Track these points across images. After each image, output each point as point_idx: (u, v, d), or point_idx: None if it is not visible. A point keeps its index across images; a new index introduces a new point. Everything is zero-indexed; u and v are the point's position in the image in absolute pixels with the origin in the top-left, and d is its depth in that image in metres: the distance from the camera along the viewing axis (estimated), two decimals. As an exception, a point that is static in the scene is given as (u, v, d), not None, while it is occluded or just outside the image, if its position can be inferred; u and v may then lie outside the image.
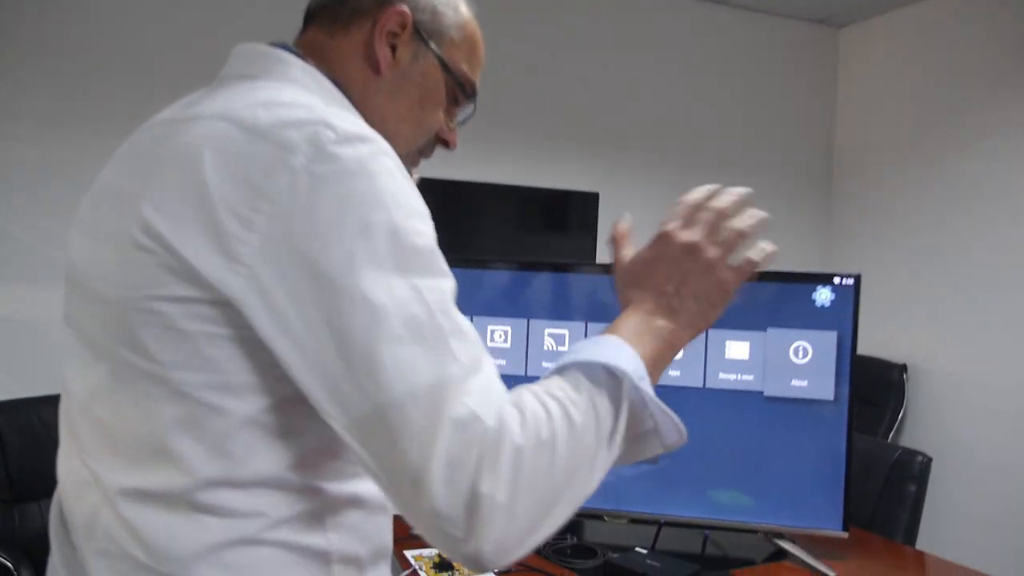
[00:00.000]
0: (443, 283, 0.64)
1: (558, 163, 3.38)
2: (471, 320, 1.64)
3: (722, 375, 1.54)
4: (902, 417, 3.02)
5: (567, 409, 0.63)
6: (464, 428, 0.57)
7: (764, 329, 1.53)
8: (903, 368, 3.09)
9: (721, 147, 3.62)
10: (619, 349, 0.69)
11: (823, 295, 1.52)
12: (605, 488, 1.52)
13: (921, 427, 3.06)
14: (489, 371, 0.62)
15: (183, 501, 0.62)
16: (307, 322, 0.58)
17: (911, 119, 3.37)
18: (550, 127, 3.38)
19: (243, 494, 0.64)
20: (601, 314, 1.59)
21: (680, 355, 1.46)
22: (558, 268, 1.62)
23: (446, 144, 0.89)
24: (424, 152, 0.89)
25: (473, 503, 0.57)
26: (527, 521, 0.61)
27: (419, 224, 0.64)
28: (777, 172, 3.72)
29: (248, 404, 0.63)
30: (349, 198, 0.60)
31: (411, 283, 0.60)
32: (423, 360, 0.58)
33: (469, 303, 1.72)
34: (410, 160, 0.86)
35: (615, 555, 1.45)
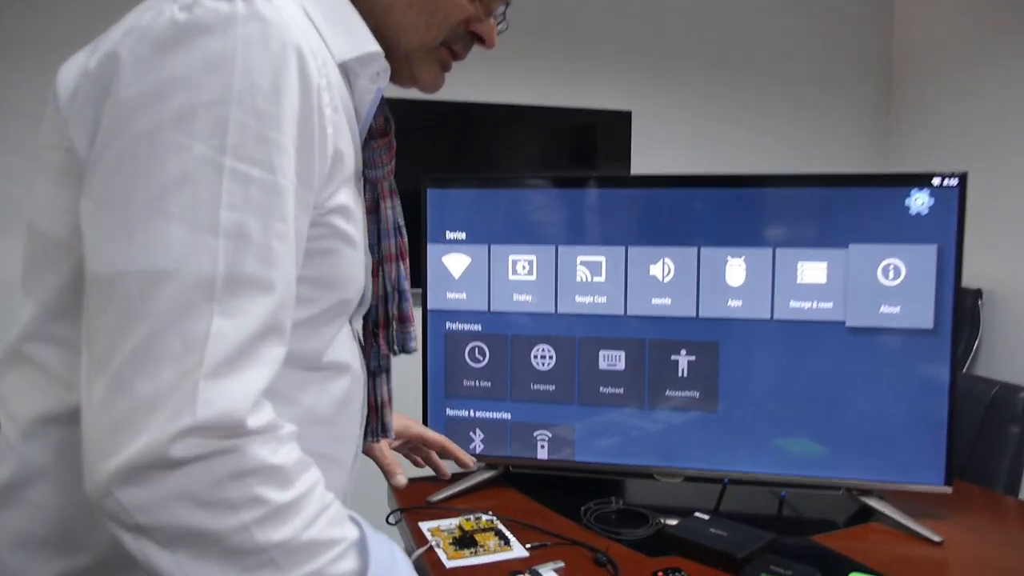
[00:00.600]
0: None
1: (585, 80, 3.06)
2: (488, 250, 1.39)
3: (794, 303, 1.27)
4: (977, 348, 2.73)
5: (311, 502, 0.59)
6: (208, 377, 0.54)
7: (845, 246, 1.25)
8: (977, 294, 2.78)
9: (767, 53, 3.27)
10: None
11: (919, 201, 1.23)
12: (653, 441, 1.27)
13: (998, 359, 2.76)
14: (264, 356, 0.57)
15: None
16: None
17: (979, 13, 2.97)
18: (575, 39, 3.05)
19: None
20: (645, 235, 1.32)
21: (743, 279, 1.20)
22: (589, 183, 1.35)
23: (482, 41, 0.79)
24: (456, 50, 0.79)
25: (138, 454, 0.52)
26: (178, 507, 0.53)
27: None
28: (829, 78, 3.36)
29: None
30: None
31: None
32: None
33: (484, 231, 1.48)
34: (434, 60, 0.78)
35: (671, 522, 1.21)
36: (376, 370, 0.85)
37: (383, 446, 1.20)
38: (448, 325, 1.39)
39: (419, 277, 1.33)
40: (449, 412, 1.40)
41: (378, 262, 0.81)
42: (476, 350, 1.38)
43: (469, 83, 2.82)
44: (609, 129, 3.06)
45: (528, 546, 1.14)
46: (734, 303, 1.29)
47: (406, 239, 0.84)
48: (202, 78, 0.54)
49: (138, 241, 0.53)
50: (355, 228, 0.72)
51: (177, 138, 0.54)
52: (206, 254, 0.54)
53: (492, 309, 1.38)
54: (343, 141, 0.67)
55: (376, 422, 0.87)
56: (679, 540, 1.13)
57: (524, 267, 1.36)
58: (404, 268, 0.85)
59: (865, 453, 1.27)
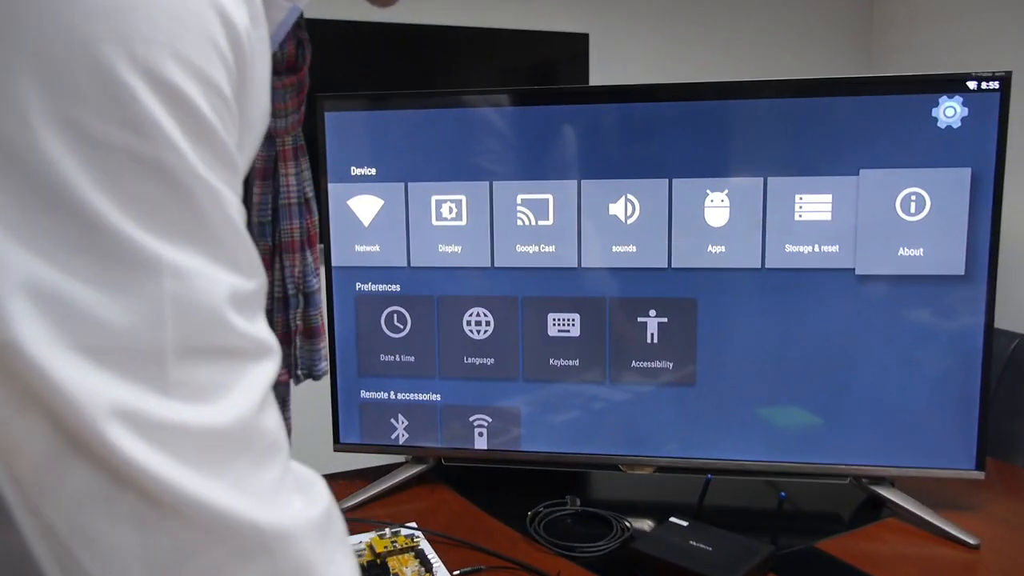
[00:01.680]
0: None
1: (537, 0, 2.73)
2: (405, 189, 1.09)
3: (790, 247, 1.01)
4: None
5: None
6: None
7: (855, 172, 0.98)
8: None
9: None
10: None
11: (950, 111, 0.96)
12: (617, 424, 1.01)
13: (1018, 308, 2.51)
14: None
15: None
16: None
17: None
18: (525, -48, 2.71)
19: None
20: (602, 166, 1.04)
21: (726, 219, 0.93)
22: (531, 100, 1.06)
23: None
24: None
25: None
26: None
27: None
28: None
29: None
30: None
31: None
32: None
33: (399, 165, 1.07)
34: None
35: (640, 526, 0.96)
36: None
37: None
38: (359, 286, 1.09)
39: (321, 227, 1.03)
40: (364, 395, 1.12)
41: (273, 250, 0.52)
42: (395, 316, 1.10)
43: (409, 2, 2.48)
44: (565, 54, 2.74)
45: (456, 574, 0.88)
46: (715, 249, 1.02)
47: (316, 219, 0.56)
48: None
49: None
50: None
51: None
52: None
53: (412, 264, 1.09)
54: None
55: None
56: (651, 560, 0.88)
57: (451, 210, 1.07)
58: (313, 259, 0.56)
59: (877, 432, 1.02)
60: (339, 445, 1.13)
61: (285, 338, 0.54)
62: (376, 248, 1.09)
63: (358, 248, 1.09)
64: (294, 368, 0.54)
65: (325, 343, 0.55)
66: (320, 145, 1.06)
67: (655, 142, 1.02)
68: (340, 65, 2.37)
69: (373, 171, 1.08)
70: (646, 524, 1.01)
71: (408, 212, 1.08)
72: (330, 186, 1.07)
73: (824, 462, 1.03)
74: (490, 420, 1.10)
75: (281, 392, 0.58)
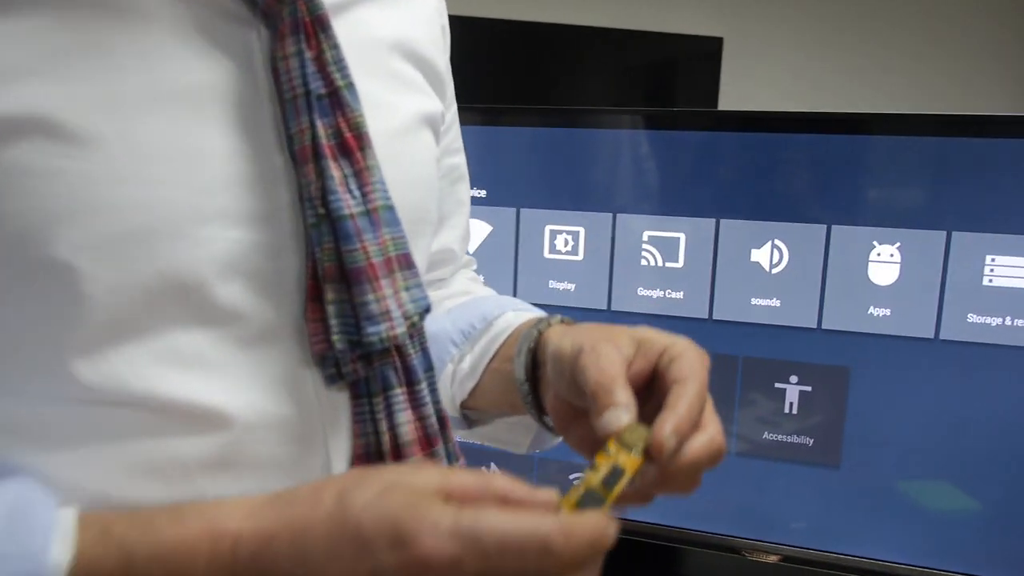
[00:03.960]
0: None
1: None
2: (517, 215, 0.96)
3: (975, 317, 0.83)
4: None
5: None
6: None
7: (1067, 231, 0.80)
8: None
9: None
10: None
11: None
12: (740, 501, 0.86)
13: None
14: None
15: None
16: None
17: None
18: (659, -52, 2.55)
19: None
20: (743, 203, 0.89)
21: (894, 277, 0.78)
22: (666, 122, 0.92)
23: None
24: None
25: None
26: None
27: None
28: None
29: None
30: None
31: None
32: None
33: (512, 188, 0.92)
34: None
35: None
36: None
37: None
38: (458, 317, 0.99)
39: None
40: (457, 438, 1.01)
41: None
42: (495, 354, 0.99)
43: (531, 1, 2.37)
44: (694, 59, 2.57)
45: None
46: (878, 312, 0.86)
47: (355, 114, 0.42)
48: None
49: None
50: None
51: None
52: None
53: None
54: None
55: None
56: None
57: (567, 242, 0.95)
58: (351, 171, 0.42)
59: (1068, 548, 0.83)
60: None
61: (315, 290, 0.39)
62: (480, 278, 0.98)
63: (461, 276, 0.98)
64: (330, 331, 0.37)
65: (378, 292, 0.36)
66: (428, 160, 0.96)
67: (813, 180, 0.87)
68: (452, 63, 2.28)
69: (483, 193, 0.97)
70: (769, 626, 0.86)
71: (518, 241, 0.97)
72: (435, 206, 0.97)
73: (995, 577, 0.85)
74: (593, 481, 0.97)
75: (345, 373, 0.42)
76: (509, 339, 0.53)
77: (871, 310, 0.86)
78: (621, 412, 0.38)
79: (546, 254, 0.96)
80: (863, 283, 0.86)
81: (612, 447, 0.37)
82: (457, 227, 0.63)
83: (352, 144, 0.41)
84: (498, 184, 0.96)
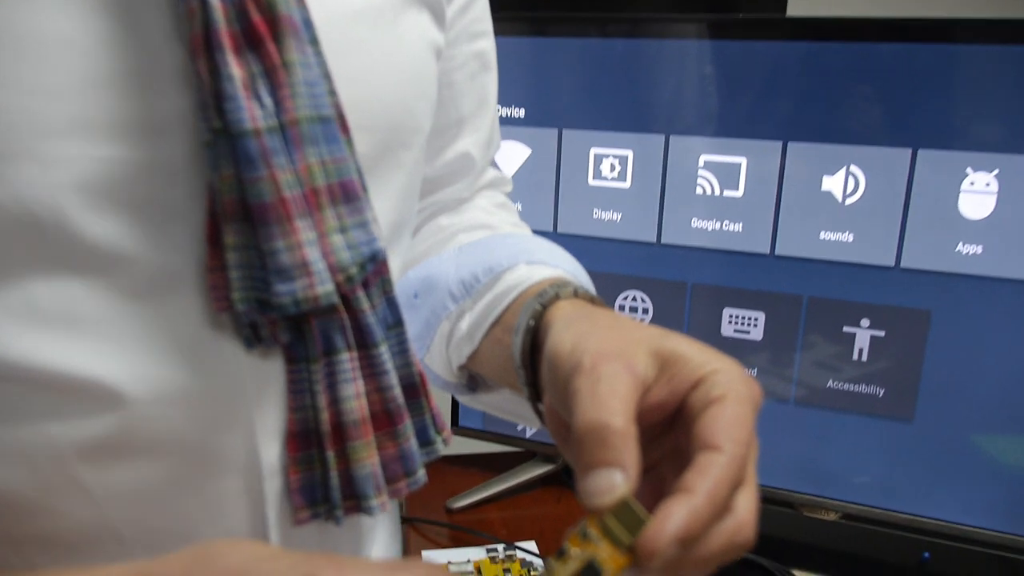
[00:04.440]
0: None
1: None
2: (559, 136, 0.86)
3: (1083, 257, 0.72)
4: None
5: None
6: None
7: None
8: None
9: None
10: None
11: None
12: (798, 454, 0.79)
13: None
14: None
15: None
16: None
17: None
18: None
19: None
20: (814, 123, 0.78)
21: (989, 210, 0.68)
22: (730, 31, 0.81)
23: None
24: None
25: None
26: None
27: None
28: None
29: None
30: None
31: None
32: None
33: (553, 107, 0.77)
34: None
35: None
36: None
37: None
38: (494, 248, 0.91)
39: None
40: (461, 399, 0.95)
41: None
42: (533, 289, 0.91)
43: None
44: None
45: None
46: (968, 249, 0.75)
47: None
48: None
49: None
50: None
51: None
52: None
53: (560, 230, 0.89)
54: None
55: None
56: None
57: (613, 167, 0.86)
58: (260, 68, 0.33)
59: None
60: (457, 429, 0.98)
61: (215, 234, 0.32)
62: (517, 206, 0.90)
63: (497, 204, 0.90)
64: (229, 287, 0.32)
65: (290, 237, 0.31)
66: (461, 75, 0.87)
67: (897, 97, 0.75)
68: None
69: (521, 112, 0.88)
70: (824, 588, 0.79)
71: (560, 166, 0.88)
72: (469, 126, 0.89)
73: (1084, 546, 0.77)
74: (637, 427, 0.91)
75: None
76: (515, 303, 0.42)
77: (960, 247, 0.75)
78: (613, 479, 0.27)
79: (590, 181, 0.87)
80: (952, 216, 0.75)
81: (593, 529, 0.27)
82: (479, 129, 0.51)
83: (262, 31, 0.29)
84: (538, 102, 0.87)
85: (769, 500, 0.88)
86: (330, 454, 0.35)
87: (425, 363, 0.48)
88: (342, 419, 0.34)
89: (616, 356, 0.30)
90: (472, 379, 0.48)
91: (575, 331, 0.33)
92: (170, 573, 0.26)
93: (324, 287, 0.31)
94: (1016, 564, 0.84)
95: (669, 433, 0.31)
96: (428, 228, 0.53)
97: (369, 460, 0.36)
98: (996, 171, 0.73)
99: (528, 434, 0.95)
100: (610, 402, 0.28)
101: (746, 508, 0.29)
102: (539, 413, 0.40)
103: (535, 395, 0.39)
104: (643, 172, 0.85)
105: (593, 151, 0.86)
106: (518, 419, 0.48)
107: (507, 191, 0.60)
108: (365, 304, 0.34)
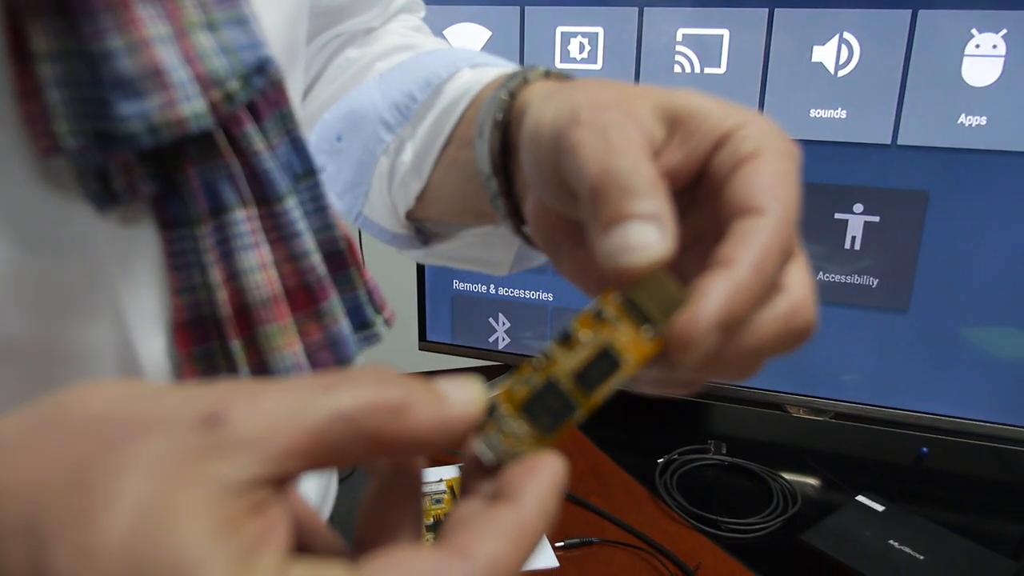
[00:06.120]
0: None
1: None
2: (521, 15, 0.77)
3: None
4: None
5: None
6: None
7: None
8: None
9: None
10: None
11: None
12: (794, 357, 0.73)
13: None
14: None
15: None
16: None
17: None
18: None
19: None
20: (807, -13, 0.70)
21: (996, 75, 0.61)
22: None
23: None
24: None
25: None
26: None
27: None
28: None
29: None
30: None
31: None
32: None
33: None
34: None
35: (804, 494, 0.71)
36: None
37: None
38: (455, 146, 0.84)
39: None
40: (458, 286, 0.89)
41: None
42: (499, 189, 0.84)
43: None
44: None
45: (560, 545, 0.67)
46: (971, 120, 0.69)
47: None
48: None
49: None
50: None
51: None
52: None
53: (525, 121, 0.81)
54: None
55: None
56: (831, 564, 0.63)
57: (583, 47, 0.78)
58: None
59: None
60: (425, 343, 0.92)
61: (18, 39, 0.23)
62: (479, 97, 0.82)
63: (456, 95, 0.82)
64: (48, 115, 0.23)
65: (132, 32, 0.22)
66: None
67: (898, -50, 0.68)
68: None
69: (479, -11, 0.79)
70: (810, 485, 0.76)
71: (523, 48, 0.79)
72: (422, 9, 0.80)
73: (1087, 434, 0.73)
74: (615, 332, 0.85)
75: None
76: (468, 111, 0.33)
77: (962, 119, 0.69)
78: (646, 233, 0.20)
79: (557, 62, 0.78)
80: (954, 84, 0.68)
81: (610, 308, 0.20)
82: None
83: None
84: (497, -23, 0.78)
85: (755, 402, 0.84)
86: (236, 344, 0.28)
87: (366, 216, 0.39)
88: (246, 298, 0.27)
89: (617, 107, 0.22)
90: (420, 232, 0.39)
91: (557, 102, 0.24)
92: (7, 436, 0.18)
93: (191, 105, 0.23)
94: (1010, 455, 0.81)
95: (686, 216, 0.23)
96: (336, 65, 0.43)
97: (289, 349, 0.28)
98: (1004, 31, 0.66)
99: (501, 346, 0.89)
100: (623, 144, 0.21)
101: (802, 283, 0.21)
102: (521, 234, 0.31)
103: (513, 208, 0.30)
104: (615, 51, 0.77)
105: (560, 30, 0.78)
106: (484, 266, 0.39)
107: (421, 16, 0.50)
108: (259, 143, 0.26)
